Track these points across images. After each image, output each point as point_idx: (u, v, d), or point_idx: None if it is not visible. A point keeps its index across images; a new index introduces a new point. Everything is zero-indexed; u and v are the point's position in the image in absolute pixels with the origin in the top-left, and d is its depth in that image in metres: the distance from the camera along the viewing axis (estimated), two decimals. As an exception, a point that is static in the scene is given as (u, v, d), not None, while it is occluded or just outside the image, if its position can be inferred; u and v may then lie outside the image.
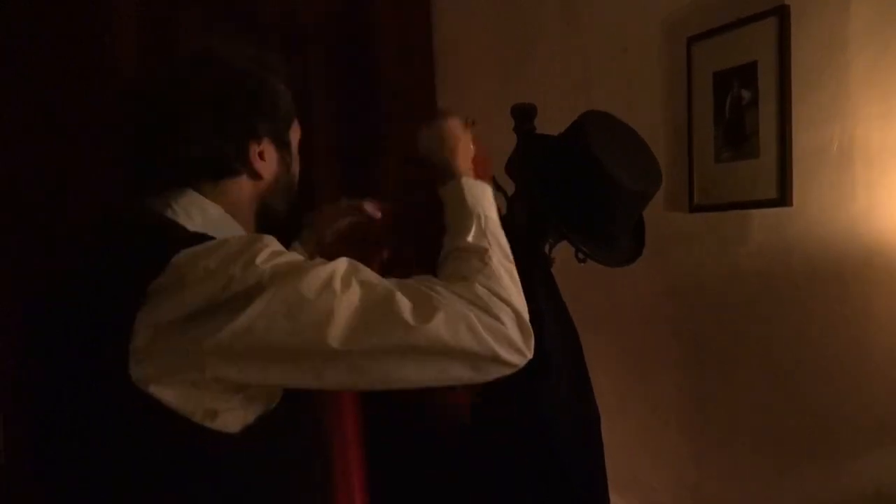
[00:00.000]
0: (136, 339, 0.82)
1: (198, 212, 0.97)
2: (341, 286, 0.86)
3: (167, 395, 0.82)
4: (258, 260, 0.85)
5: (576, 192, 1.30)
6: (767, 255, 1.56)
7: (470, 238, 1.02)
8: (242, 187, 1.02)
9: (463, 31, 2.30)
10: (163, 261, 0.84)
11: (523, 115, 1.45)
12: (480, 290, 0.93)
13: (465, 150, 1.15)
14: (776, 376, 1.55)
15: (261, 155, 1.02)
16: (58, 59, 1.81)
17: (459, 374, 0.91)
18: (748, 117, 1.56)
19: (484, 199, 1.09)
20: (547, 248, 1.40)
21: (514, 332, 0.93)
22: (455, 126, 1.17)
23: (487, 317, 0.91)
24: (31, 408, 0.98)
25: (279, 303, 0.83)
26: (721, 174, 1.63)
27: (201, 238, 0.89)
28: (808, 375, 1.49)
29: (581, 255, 1.34)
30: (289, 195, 1.10)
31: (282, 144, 1.06)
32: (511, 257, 1.03)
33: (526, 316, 0.95)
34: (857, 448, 1.40)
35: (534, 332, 0.95)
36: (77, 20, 1.82)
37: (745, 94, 1.57)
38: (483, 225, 1.04)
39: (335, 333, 0.84)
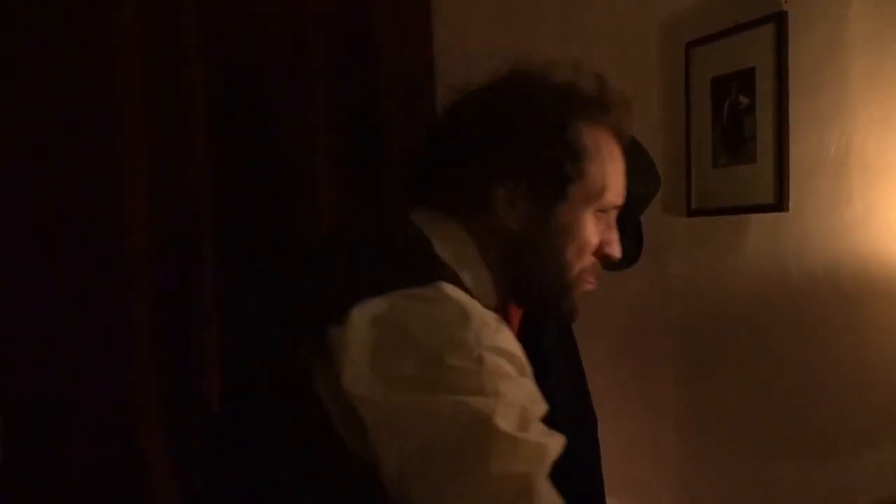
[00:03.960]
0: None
1: (448, 243, 0.96)
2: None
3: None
4: (471, 365, 0.78)
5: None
6: (764, 260, 1.57)
7: None
8: (490, 228, 0.99)
9: (462, 33, 2.30)
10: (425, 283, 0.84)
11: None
12: None
13: None
14: (773, 379, 1.56)
15: (510, 201, 0.98)
16: (58, 59, 1.80)
17: None
18: (746, 122, 1.57)
19: None
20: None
21: None
22: None
23: None
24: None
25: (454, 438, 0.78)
26: (718, 179, 1.64)
27: (446, 272, 0.89)
28: (804, 379, 1.50)
29: (580, 259, 1.34)
30: (545, 260, 1.01)
31: (543, 200, 0.99)
32: None
33: None
34: (855, 452, 1.41)
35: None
36: (77, 20, 1.82)
37: (743, 100, 1.58)
38: None
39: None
